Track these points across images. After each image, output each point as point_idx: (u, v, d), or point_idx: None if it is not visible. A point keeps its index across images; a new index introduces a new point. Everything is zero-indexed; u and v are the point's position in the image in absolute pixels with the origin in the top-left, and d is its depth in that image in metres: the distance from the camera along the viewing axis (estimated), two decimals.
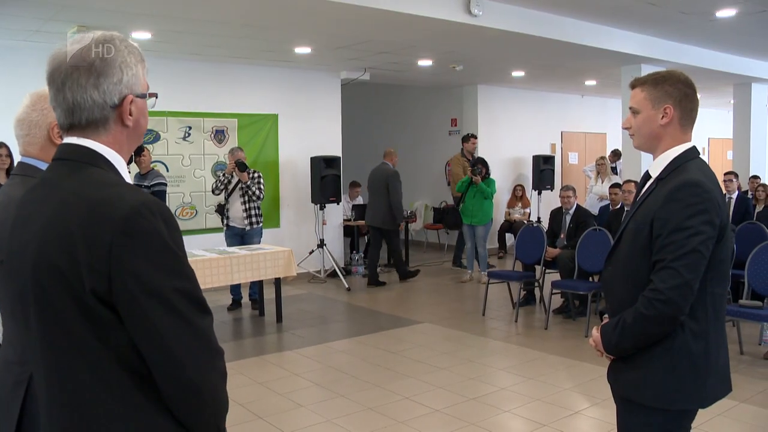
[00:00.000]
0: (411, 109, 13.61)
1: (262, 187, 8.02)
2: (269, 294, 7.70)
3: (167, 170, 9.04)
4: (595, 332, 2.32)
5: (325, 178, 9.80)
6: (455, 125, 12.81)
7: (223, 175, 8.09)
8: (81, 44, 1.45)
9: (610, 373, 2.36)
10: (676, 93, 2.24)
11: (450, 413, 4.73)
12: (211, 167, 9.46)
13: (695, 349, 2.15)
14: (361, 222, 10.67)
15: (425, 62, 9.77)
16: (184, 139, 9.24)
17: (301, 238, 10.18)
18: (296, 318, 7.68)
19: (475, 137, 10.65)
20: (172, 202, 9.08)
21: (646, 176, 2.35)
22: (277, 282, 7.44)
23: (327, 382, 5.50)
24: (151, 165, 8.19)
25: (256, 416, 4.73)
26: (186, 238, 9.02)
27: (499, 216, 12.10)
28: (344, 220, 10.97)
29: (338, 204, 10.33)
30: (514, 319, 7.54)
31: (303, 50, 8.68)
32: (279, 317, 7.48)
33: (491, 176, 9.73)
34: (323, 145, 10.32)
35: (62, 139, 2.01)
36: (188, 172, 9.33)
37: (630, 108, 2.34)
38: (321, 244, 9.92)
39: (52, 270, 1.36)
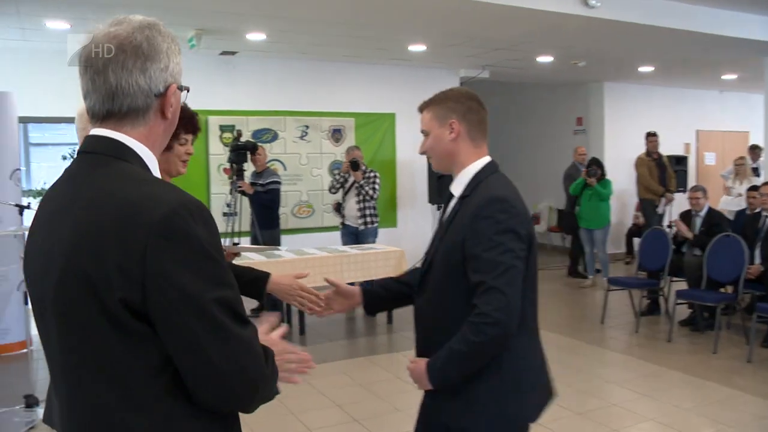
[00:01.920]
0: (533, 108, 13.18)
1: (376, 187, 7.93)
2: None
3: (285, 169, 9.19)
4: (411, 364, 2.20)
5: (442, 178, 9.54)
6: (580, 124, 12.29)
7: (339, 174, 8.12)
8: (125, 26, 1.35)
9: (427, 402, 2.25)
10: (460, 107, 2.23)
11: (553, 428, 4.46)
12: (328, 166, 9.55)
13: (518, 366, 2.11)
14: None
15: (545, 58, 9.41)
16: (301, 138, 9.37)
17: (418, 239, 10.02)
18: (407, 319, 7.50)
19: (655, 135, 9.89)
20: (290, 200, 9.22)
21: (449, 196, 2.28)
22: None
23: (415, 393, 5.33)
24: (268, 164, 8.37)
25: (352, 419, 4.66)
26: (302, 236, 9.24)
27: (627, 219, 11.50)
28: None
29: None
30: (635, 329, 7.07)
31: (417, 48, 8.57)
32: (389, 318, 7.39)
33: (608, 177, 9.24)
34: None
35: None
36: (305, 171, 9.45)
37: (422, 132, 2.30)
38: None
39: (80, 278, 1.23)
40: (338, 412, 4.72)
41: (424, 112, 2.29)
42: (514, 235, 2.04)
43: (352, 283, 2.60)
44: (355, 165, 7.79)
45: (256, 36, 7.45)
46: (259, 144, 8.13)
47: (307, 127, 9.39)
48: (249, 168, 7.86)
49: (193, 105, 7.62)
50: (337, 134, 9.62)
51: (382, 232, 9.22)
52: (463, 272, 2.07)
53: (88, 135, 1.38)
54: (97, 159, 1.35)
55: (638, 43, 8.16)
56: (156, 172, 1.39)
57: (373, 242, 8.04)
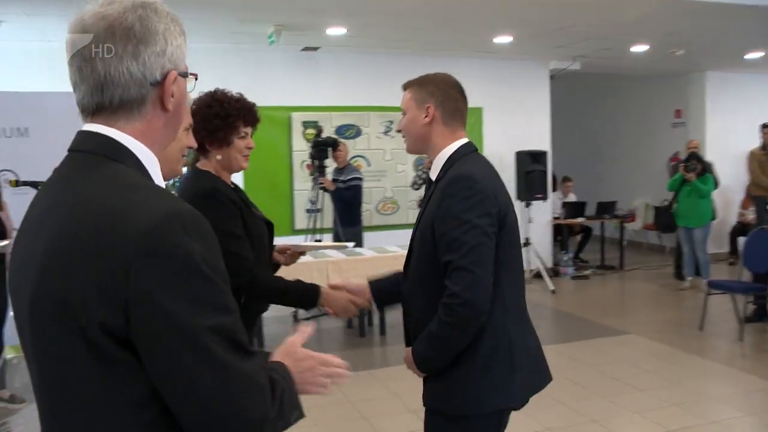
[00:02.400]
0: (628, 101, 12.54)
1: None
2: None
3: (368, 165, 9.07)
4: (406, 353, 2.21)
5: (531, 173, 9.33)
6: (679, 117, 11.60)
7: (423, 170, 7.92)
8: (116, 5, 1.16)
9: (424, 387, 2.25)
10: (439, 93, 2.24)
11: None
12: (412, 162, 9.35)
13: (497, 347, 2.09)
14: (574, 221, 10.06)
15: (640, 47, 8.87)
16: (385, 133, 9.21)
17: None
18: None
19: None
20: (373, 196, 9.09)
21: (429, 180, 2.31)
22: None
23: None
24: (351, 160, 8.26)
25: None
26: (386, 233, 9.09)
27: (731, 217, 10.80)
28: (554, 218, 10.36)
29: (545, 201, 9.75)
30: (739, 338, 6.52)
31: (503, 40, 8.25)
32: None
33: (710, 173, 8.63)
34: (530, 139, 9.80)
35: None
36: (390, 167, 9.30)
37: (401, 109, 2.32)
38: (526, 243, 9.42)
39: (54, 298, 1.07)
40: (412, 419, 4.53)
41: (405, 91, 2.31)
42: (481, 212, 2.03)
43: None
44: None
45: (336, 31, 7.33)
46: (341, 140, 8.04)
47: (392, 122, 9.22)
48: (331, 164, 7.79)
49: (276, 101, 7.69)
50: None
51: None
52: (436, 254, 2.08)
53: (79, 131, 1.21)
54: (85, 159, 1.18)
55: (746, 26, 7.56)
56: (156, 174, 1.23)
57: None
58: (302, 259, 6.28)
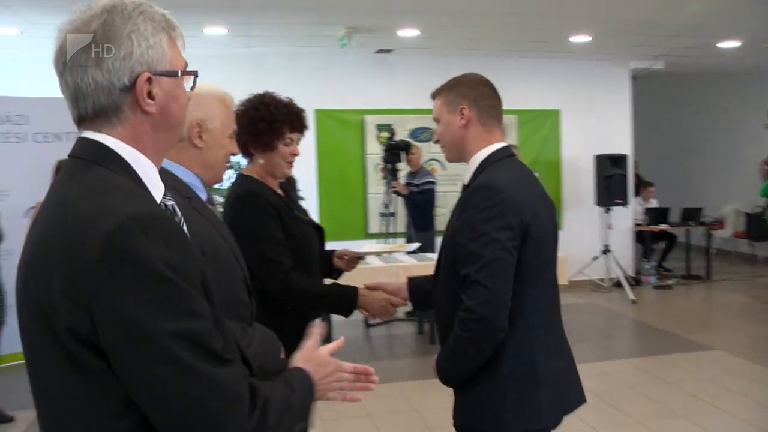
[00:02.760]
0: (717, 101, 11.95)
1: None
2: None
3: (443, 168, 8.93)
4: (434, 362, 2.14)
5: (611, 178, 8.99)
6: None
7: None
8: (85, 14, 1.15)
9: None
10: (471, 93, 2.14)
11: None
12: None
13: (518, 363, 2.00)
14: (656, 227, 9.66)
15: (729, 44, 8.44)
16: None
17: (584, 243, 9.41)
18: (568, 330, 6.99)
19: None
20: (449, 201, 8.92)
21: (464, 185, 2.19)
22: None
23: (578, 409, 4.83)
24: (425, 163, 8.15)
25: None
26: None
27: None
28: (635, 224, 9.97)
29: (626, 206, 9.39)
30: None
31: (580, 39, 8.00)
32: None
33: None
34: (609, 142, 9.45)
35: (201, 140, 1.82)
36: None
37: (434, 119, 2.23)
38: (606, 250, 9.11)
39: (33, 303, 1.08)
40: None
41: (435, 99, 2.23)
42: (500, 224, 1.94)
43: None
44: None
45: (408, 32, 7.26)
46: (415, 143, 7.94)
47: None
48: (405, 168, 7.70)
49: (349, 104, 7.63)
50: None
51: None
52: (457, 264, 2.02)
53: (78, 137, 1.22)
54: (76, 165, 1.17)
55: None
56: (149, 178, 1.20)
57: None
58: (374, 263, 6.28)
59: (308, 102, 8.47)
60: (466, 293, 1.94)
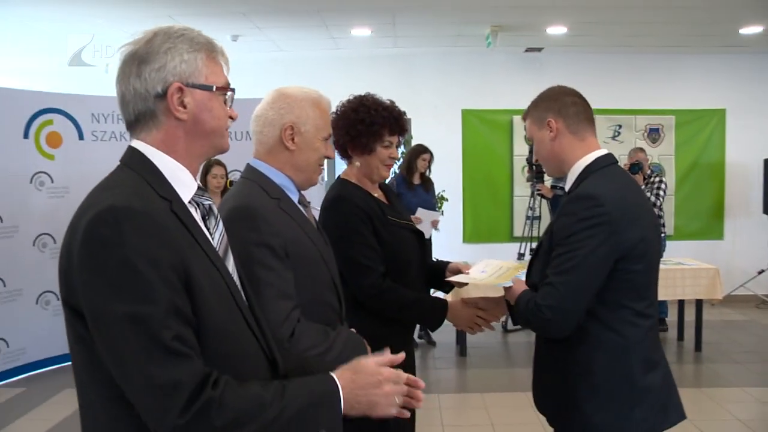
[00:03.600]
0: None
1: (660, 193, 6.96)
2: (689, 316, 6.65)
3: None
4: (514, 292, 2.16)
5: None
6: None
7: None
8: (139, 37, 1.38)
9: (537, 394, 2.24)
10: (554, 104, 2.15)
11: None
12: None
13: (612, 375, 2.00)
14: None
15: None
16: (613, 138, 8.65)
17: (749, 255, 8.67)
18: (722, 350, 6.50)
19: None
20: None
21: (564, 193, 2.23)
22: (699, 303, 6.39)
23: None
24: None
25: None
26: None
27: None
28: None
29: None
30: None
31: (752, 30, 7.31)
32: (698, 345, 6.40)
33: None
34: None
35: (293, 143, 1.87)
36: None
37: (528, 141, 1.78)
38: None
39: (60, 280, 1.29)
40: None
41: (525, 122, 2.25)
42: (594, 234, 1.93)
43: None
44: (634, 168, 6.93)
45: (556, 30, 7.00)
46: None
47: (620, 126, 8.64)
48: None
49: (497, 104, 7.53)
50: (654, 134, 8.71)
51: (706, 245, 8.40)
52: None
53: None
54: (115, 169, 1.38)
55: None
56: (177, 178, 1.36)
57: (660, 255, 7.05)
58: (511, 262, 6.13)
59: (455, 102, 8.62)
60: (541, 290, 2.00)
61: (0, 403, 5.12)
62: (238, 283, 1.44)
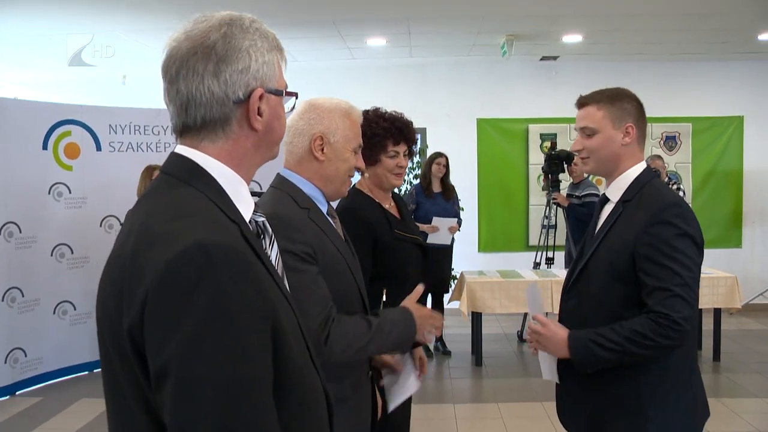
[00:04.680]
0: None
1: None
2: (707, 325, 6.58)
3: None
4: (541, 326, 2.17)
5: None
6: None
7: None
8: (202, 24, 1.17)
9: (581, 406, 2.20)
10: (635, 111, 2.15)
11: None
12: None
13: (691, 378, 2.11)
14: None
15: None
16: None
17: None
18: (740, 359, 6.44)
19: None
20: None
21: (604, 199, 2.22)
22: (717, 312, 6.34)
23: None
24: (587, 175, 7.82)
25: None
26: None
27: None
28: None
29: None
30: None
31: None
32: (716, 355, 6.34)
33: None
34: None
35: (322, 153, 1.87)
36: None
37: (583, 129, 2.17)
38: None
39: (106, 313, 1.09)
40: None
41: (591, 107, 2.16)
42: (692, 242, 2.00)
43: None
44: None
45: (572, 38, 7.00)
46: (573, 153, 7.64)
47: None
48: (568, 179, 7.45)
49: (512, 113, 7.54)
50: (670, 142, 8.66)
51: (724, 253, 8.30)
52: (629, 278, 2.03)
53: (171, 152, 1.22)
54: (167, 182, 1.17)
55: None
56: (239, 195, 1.19)
57: None
58: (494, 278, 6.10)
59: (471, 111, 8.62)
60: (666, 304, 1.95)
61: (17, 413, 5.16)
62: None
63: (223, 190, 1.16)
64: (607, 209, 2.19)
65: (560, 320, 2.26)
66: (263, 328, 1.04)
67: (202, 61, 1.14)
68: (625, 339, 1.98)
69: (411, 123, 2.60)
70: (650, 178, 2.14)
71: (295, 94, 1.28)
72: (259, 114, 1.18)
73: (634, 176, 2.13)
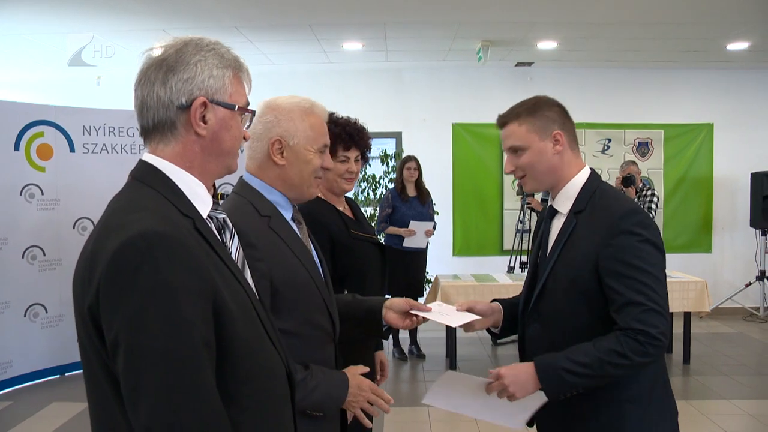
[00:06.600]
0: None
1: (652, 206, 7.10)
2: (677, 329, 6.66)
3: None
4: (504, 369, 1.97)
5: None
6: None
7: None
8: (168, 43, 1.34)
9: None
10: (558, 116, 2.02)
11: None
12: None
13: (666, 391, 2.09)
14: None
15: None
16: (602, 152, 8.73)
17: (737, 268, 8.78)
18: (710, 362, 6.54)
19: None
20: None
21: (552, 212, 2.08)
22: (687, 316, 6.43)
23: None
24: None
25: None
26: None
27: None
28: None
29: None
30: None
31: (738, 46, 7.45)
32: (686, 358, 6.44)
33: None
34: None
35: (281, 158, 1.85)
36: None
37: (510, 148, 2.04)
38: (761, 277, 8.42)
39: (77, 301, 1.23)
40: None
41: (511, 125, 2.03)
42: (654, 248, 1.91)
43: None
44: (627, 181, 6.99)
45: (547, 45, 7.07)
46: None
47: (609, 140, 8.71)
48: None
49: (487, 118, 7.48)
50: (643, 148, 8.78)
51: (694, 258, 8.44)
52: (593, 294, 1.92)
53: (139, 160, 1.37)
54: (132, 185, 1.33)
55: None
56: (196, 194, 1.34)
57: None
58: (468, 281, 6.14)
59: (446, 116, 8.66)
60: (641, 320, 1.85)
61: None
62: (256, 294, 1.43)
63: (179, 189, 1.31)
64: (558, 222, 2.05)
65: (521, 347, 2.14)
66: (200, 304, 1.17)
67: (154, 71, 1.31)
68: (599, 361, 1.86)
69: (364, 128, 2.59)
70: (598, 183, 2.02)
71: (251, 111, 1.40)
72: (204, 121, 1.32)
73: (581, 184, 2.01)
